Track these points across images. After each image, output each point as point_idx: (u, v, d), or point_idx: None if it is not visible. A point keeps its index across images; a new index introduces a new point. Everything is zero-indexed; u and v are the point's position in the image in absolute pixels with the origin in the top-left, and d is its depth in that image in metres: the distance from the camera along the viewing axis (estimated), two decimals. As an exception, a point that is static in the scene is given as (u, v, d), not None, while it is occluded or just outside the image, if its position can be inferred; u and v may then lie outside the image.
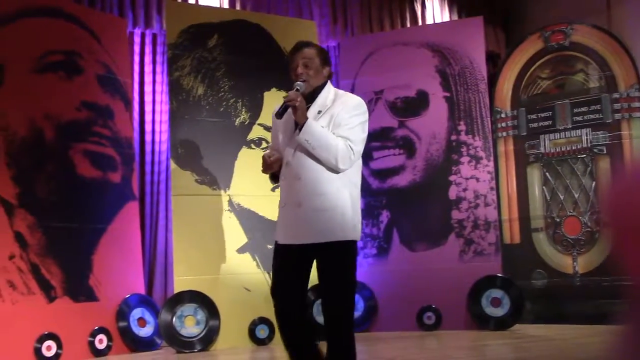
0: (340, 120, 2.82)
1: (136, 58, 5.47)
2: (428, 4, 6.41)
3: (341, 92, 3.00)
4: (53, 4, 4.66)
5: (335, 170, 2.80)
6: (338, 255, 2.79)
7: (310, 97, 2.87)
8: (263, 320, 4.78)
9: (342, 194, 2.82)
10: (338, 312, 2.80)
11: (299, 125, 2.79)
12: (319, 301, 4.98)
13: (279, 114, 2.81)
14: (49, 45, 4.53)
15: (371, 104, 5.69)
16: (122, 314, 4.63)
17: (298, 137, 2.77)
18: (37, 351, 4.15)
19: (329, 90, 2.94)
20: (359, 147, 2.84)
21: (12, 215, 4.21)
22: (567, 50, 5.63)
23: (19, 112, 4.34)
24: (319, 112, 2.86)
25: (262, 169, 2.90)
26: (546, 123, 5.62)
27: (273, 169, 2.89)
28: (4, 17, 4.34)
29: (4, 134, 4.25)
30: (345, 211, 2.80)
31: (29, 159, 4.36)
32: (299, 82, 2.84)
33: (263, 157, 2.89)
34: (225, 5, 5.68)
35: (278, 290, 2.86)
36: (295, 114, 2.79)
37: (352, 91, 5.74)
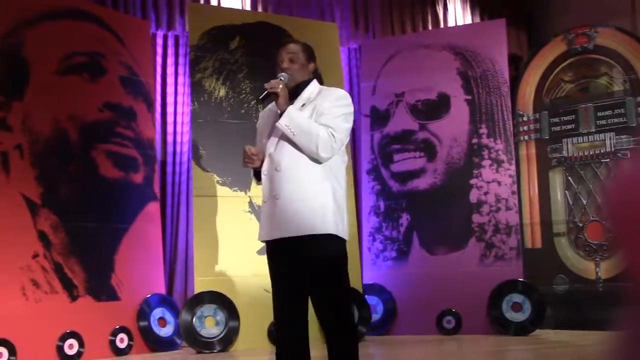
0: (323, 110, 2.74)
1: (158, 60, 5.52)
2: (450, 6, 6.38)
3: (326, 87, 2.92)
4: (78, 7, 4.71)
5: (316, 159, 2.69)
6: (323, 249, 2.64)
7: (295, 92, 2.81)
8: (282, 322, 4.78)
9: (323, 186, 2.70)
10: (332, 317, 2.64)
11: (281, 113, 2.72)
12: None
13: (259, 100, 2.74)
14: (73, 47, 4.59)
15: (392, 106, 5.68)
16: (143, 313, 4.67)
17: (278, 123, 2.69)
18: (60, 349, 4.20)
19: (314, 86, 2.88)
20: (341, 136, 2.73)
21: (36, 214, 4.27)
22: (591, 53, 5.57)
23: (44, 113, 4.39)
24: (303, 105, 2.79)
25: (242, 162, 2.78)
26: (569, 127, 5.56)
27: (254, 163, 2.77)
28: (30, 20, 4.40)
29: (28, 134, 4.31)
30: (327, 204, 2.67)
31: (53, 159, 4.42)
32: (282, 73, 2.79)
33: (243, 149, 2.77)
34: (247, 7, 5.71)
35: (276, 290, 2.73)
36: (276, 101, 2.73)
37: (374, 94, 5.75)
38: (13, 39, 4.32)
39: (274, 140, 2.76)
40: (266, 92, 2.72)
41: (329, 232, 2.65)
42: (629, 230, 0.89)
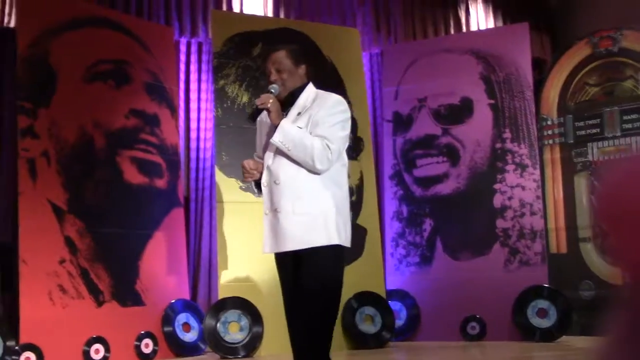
0: (318, 119, 2.70)
1: (182, 66, 5.56)
2: (472, 10, 6.36)
3: (322, 92, 2.86)
4: (103, 15, 4.77)
5: (314, 171, 2.68)
6: (320, 261, 2.64)
7: (290, 99, 2.78)
8: (306, 328, 4.78)
9: (323, 196, 2.69)
10: (313, 325, 2.65)
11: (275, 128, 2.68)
12: (361, 309, 4.98)
13: (251, 118, 2.73)
14: (99, 55, 4.64)
15: (414, 111, 5.66)
16: (168, 318, 4.69)
17: (272, 139, 2.67)
18: (86, 354, 4.24)
19: (310, 90, 2.83)
20: (337, 146, 2.70)
21: (62, 220, 4.32)
22: (616, 56, 5.51)
23: (70, 120, 4.45)
24: (299, 113, 2.76)
25: (244, 177, 2.79)
26: (594, 130, 5.50)
27: (254, 177, 2.77)
28: (55, 28, 4.46)
29: (55, 141, 4.36)
30: (329, 214, 2.66)
31: (79, 165, 4.46)
32: (273, 85, 2.75)
33: (242, 164, 2.78)
34: (270, 14, 5.73)
35: (284, 299, 2.80)
36: (269, 116, 2.70)
37: (396, 99, 5.73)
38: (40, 47, 4.38)
39: (271, 152, 2.74)
40: (256, 107, 2.70)
41: (332, 243, 2.65)
42: (619, 227, 0.90)
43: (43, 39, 4.39)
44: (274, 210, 2.70)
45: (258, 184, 2.83)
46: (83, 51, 4.57)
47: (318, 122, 2.70)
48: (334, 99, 2.81)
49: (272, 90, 2.74)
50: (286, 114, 2.77)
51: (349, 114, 2.80)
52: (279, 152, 2.70)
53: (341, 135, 2.74)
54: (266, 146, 2.77)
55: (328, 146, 2.67)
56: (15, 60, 4.42)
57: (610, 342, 0.93)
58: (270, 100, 2.68)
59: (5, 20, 4.90)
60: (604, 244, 5.17)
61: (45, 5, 4.46)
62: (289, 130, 2.67)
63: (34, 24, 4.37)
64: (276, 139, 2.66)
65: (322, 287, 2.65)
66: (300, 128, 2.71)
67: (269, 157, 2.75)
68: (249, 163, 2.77)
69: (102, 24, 4.72)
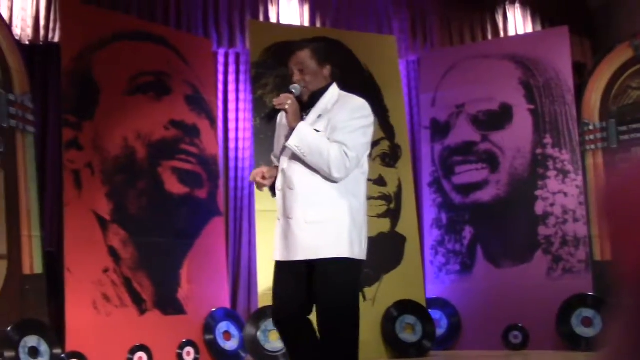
0: (337, 123, 2.54)
1: (220, 77, 5.63)
2: (510, 15, 6.29)
3: (346, 94, 2.69)
4: (144, 28, 4.86)
5: (330, 179, 2.53)
6: (332, 276, 2.50)
7: (312, 101, 2.64)
8: (346, 336, 4.76)
9: (339, 205, 2.54)
10: (336, 345, 2.51)
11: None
12: (401, 317, 4.94)
13: (267, 118, 2.59)
14: (140, 67, 4.73)
15: (452, 117, 5.62)
16: (209, 327, 4.73)
17: (288, 142, 2.53)
18: (129, 362, 4.30)
19: (333, 92, 2.67)
20: (356, 153, 2.53)
21: (106, 230, 4.40)
22: (660, 58, 5.39)
23: (113, 132, 4.54)
24: (319, 116, 2.60)
25: (257, 185, 2.66)
26: (638, 135, 5.38)
27: (267, 185, 2.65)
28: (99, 42, 4.57)
29: (98, 153, 4.46)
30: (342, 224, 2.52)
31: (122, 176, 4.55)
32: (294, 85, 2.61)
33: (253, 176, 2.65)
34: (306, 23, 5.76)
35: (277, 305, 2.63)
36: (286, 118, 2.58)
37: (433, 105, 5.70)
38: (83, 61, 4.49)
39: (287, 155, 2.61)
40: (273, 107, 2.58)
41: (343, 256, 2.51)
42: (626, 228, 0.89)
43: (86, 53, 4.50)
44: (287, 217, 2.57)
45: (273, 187, 2.71)
46: (125, 64, 4.67)
47: (337, 127, 2.55)
48: (358, 102, 2.65)
49: (293, 90, 2.59)
50: (306, 116, 2.62)
51: (372, 119, 2.64)
52: (294, 156, 2.57)
53: (362, 142, 2.58)
54: (283, 147, 2.63)
55: (346, 153, 2.51)
56: (59, 75, 4.53)
57: (613, 348, 0.92)
58: (289, 101, 2.54)
59: (50, 35, 5.02)
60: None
61: (88, 20, 4.57)
62: (306, 135, 2.53)
63: (78, 39, 4.48)
64: (292, 142, 2.52)
65: (334, 301, 2.53)
66: (318, 132, 2.56)
67: (284, 160, 2.61)
68: (258, 173, 2.64)
69: (143, 37, 4.81)
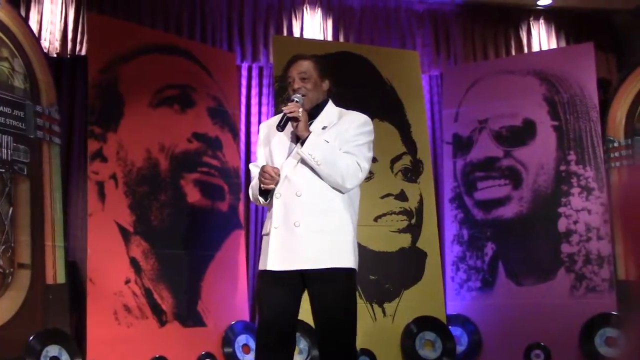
0: (348, 136, 2.59)
1: (243, 91, 5.67)
2: (534, 31, 6.26)
3: (347, 110, 2.74)
4: (170, 41, 4.93)
5: (339, 189, 2.55)
6: (340, 286, 2.53)
7: (312, 113, 2.64)
8: (365, 352, 4.74)
9: (345, 216, 2.57)
10: (344, 353, 2.55)
11: (300, 138, 2.54)
12: (421, 334, 4.90)
13: (281, 126, 2.52)
14: (165, 80, 4.78)
15: (475, 133, 5.59)
16: (228, 340, 4.73)
17: (301, 150, 2.52)
18: (149, 373, 4.31)
19: (332, 107, 2.70)
20: (367, 165, 2.61)
21: (128, 241, 4.43)
22: (686, 75, 5.32)
23: (137, 144, 4.58)
24: (324, 127, 2.63)
25: (264, 183, 2.55)
26: (664, 152, 5.30)
27: (274, 183, 2.57)
28: (125, 55, 4.63)
29: (122, 164, 4.50)
30: (348, 236, 2.55)
31: (145, 188, 4.59)
32: (297, 95, 2.60)
33: (265, 169, 2.56)
34: (329, 38, 5.79)
35: (269, 318, 2.57)
36: (296, 126, 2.54)
37: (456, 121, 5.68)
38: (109, 73, 4.55)
39: (292, 161, 2.58)
40: (285, 117, 2.54)
41: (349, 267, 2.55)
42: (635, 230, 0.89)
43: (113, 66, 4.56)
44: (291, 224, 2.52)
45: (264, 193, 2.65)
46: (150, 77, 4.72)
47: (347, 139, 2.60)
48: (364, 118, 2.70)
49: (297, 100, 2.59)
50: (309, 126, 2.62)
51: (373, 136, 2.71)
52: (302, 162, 2.56)
53: (369, 155, 2.66)
54: (288, 153, 2.61)
55: (359, 164, 2.58)
56: (85, 87, 4.60)
57: (628, 348, 0.91)
58: (300, 110, 2.54)
59: (77, 48, 5.10)
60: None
61: (115, 34, 4.64)
62: (320, 144, 2.53)
63: (104, 51, 4.55)
64: (305, 151, 2.52)
65: (343, 309, 2.56)
66: (328, 142, 2.58)
67: (289, 166, 2.58)
68: (274, 168, 2.59)
69: (169, 51, 4.87)
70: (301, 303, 2.67)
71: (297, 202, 2.54)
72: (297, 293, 2.60)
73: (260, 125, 2.92)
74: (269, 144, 2.70)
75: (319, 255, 2.51)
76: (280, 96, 5.10)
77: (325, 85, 2.72)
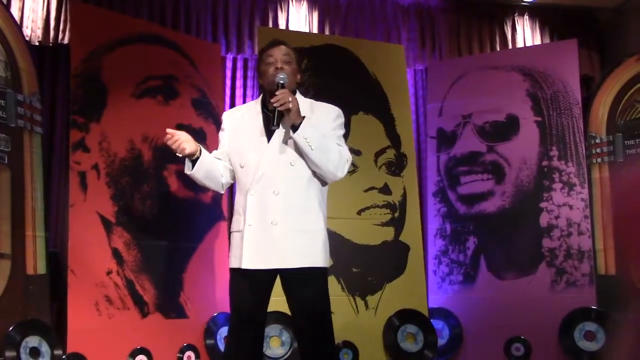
0: (327, 128, 2.58)
1: (228, 82, 5.64)
2: (518, 27, 6.29)
3: (315, 101, 2.74)
4: (154, 31, 4.88)
5: (328, 176, 2.55)
6: (317, 284, 2.55)
7: None
8: (347, 344, 4.75)
9: (320, 215, 2.57)
10: (326, 349, 2.58)
11: (294, 125, 2.48)
12: (403, 327, 4.93)
13: (277, 125, 2.47)
14: (149, 71, 4.74)
15: (459, 128, 5.62)
16: (210, 331, 4.72)
17: (295, 135, 2.46)
18: (130, 365, 4.30)
19: (302, 98, 2.68)
20: (350, 156, 2.61)
21: (110, 232, 4.40)
22: (668, 73, 5.37)
23: (120, 135, 4.54)
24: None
25: (174, 148, 2.55)
26: (645, 149, 5.36)
27: (182, 145, 2.53)
28: (108, 45, 4.58)
29: (105, 155, 4.47)
30: (323, 233, 2.56)
31: (127, 179, 4.55)
32: (280, 75, 2.54)
33: (168, 134, 2.54)
34: (315, 30, 5.78)
35: (241, 317, 2.60)
36: (289, 114, 2.48)
37: (440, 115, 5.70)
38: (92, 63, 4.50)
39: (270, 156, 2.52)
40: (277, 111, 2.47)
41: (324, 266, 2.57)
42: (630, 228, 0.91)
43: (95, 55, 4.51)
44: (268, 223, 2.48)
45: (193, 161, 2.63)
46: (133, 67, 4.68)
47: (325, 133, 2.57)
48: (338, 110, 2.69)
49: (282, 81, 2.54)
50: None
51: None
52: (281, 157, 2.52)
53: (347, 147, 2.67)
54: (256, 149, 2.57)
55: (346, 155, 2.61)
56: (68, 76, 4.55)
57: (622, 347, 0.93)
58: (290, 99, 2.48)
59: (60, 37, 5.04)
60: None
61: (98, 23, 4.59)
62: (313, 130, 2.50)
63: (88, 41, 4.50)
64: (301, 134, 2.46)
65: (322, 306, 2.59)
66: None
67: (264, 164, 2.52)
68: (173, 133, 2.56)
69: (153, 41, 4.82)
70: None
71: (274, 200, 2.50)
72: (270, 288, 2.65)
73: (224, 114, 2.86)
74: (237, 140, 2.66)
75: (297, 254, 2.50)
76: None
77: (299, 77, 2.74)
